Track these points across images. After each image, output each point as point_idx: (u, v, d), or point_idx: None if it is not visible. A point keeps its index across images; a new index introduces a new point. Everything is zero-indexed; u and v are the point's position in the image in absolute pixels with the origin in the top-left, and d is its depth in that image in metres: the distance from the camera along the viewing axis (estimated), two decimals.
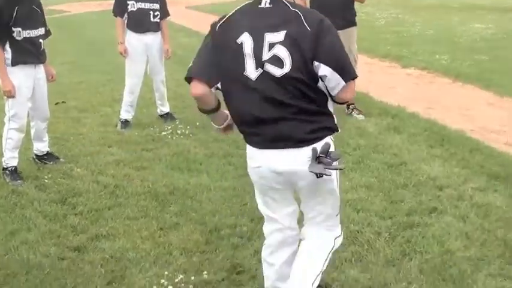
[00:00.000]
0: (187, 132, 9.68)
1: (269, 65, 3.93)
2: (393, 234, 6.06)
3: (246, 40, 3.98)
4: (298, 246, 4.54)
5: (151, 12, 9.99)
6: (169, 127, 9.92)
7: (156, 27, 10.12)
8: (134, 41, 9.98)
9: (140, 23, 9.98)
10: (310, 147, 3.96)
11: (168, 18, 10.42)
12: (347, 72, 4.04)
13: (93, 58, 18.10)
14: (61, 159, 8.41)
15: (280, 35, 3.92)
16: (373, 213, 6.53)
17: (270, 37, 3.94)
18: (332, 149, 4.04)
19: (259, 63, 3.96)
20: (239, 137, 8.28)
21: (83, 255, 5.76)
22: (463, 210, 6.64)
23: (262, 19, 4.00)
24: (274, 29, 3.93)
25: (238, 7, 4.14)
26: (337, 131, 4.19)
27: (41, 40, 7.79)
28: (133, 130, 9.89)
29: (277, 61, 3.92)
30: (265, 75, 3.95)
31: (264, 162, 4.19)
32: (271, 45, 3.93)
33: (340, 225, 4.57)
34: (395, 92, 12.74)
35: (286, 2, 4.02)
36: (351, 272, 5.31)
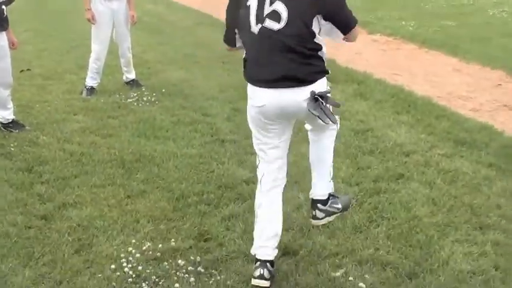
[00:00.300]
0: (153, 99, 9.62)
1: (268, 20, 4.45)
2: (360, 200, 6.11)
3: (252, 3, 4.51)
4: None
5: None
6: (135, 94, 9.85)
7: None
8: (100, 7, 9.84)
9: None
10: (309, 87, 4.50)
11: None
12: (346, 27, 4.65)
13: (57, 25, 17.83)
14: (27, 127, 8.30)
15: None
16: (339, 179, 6.52)
17: None
18: (329, 93, 4.61)
19: (260, 20, 4.47)
20: (206, 103, 8.26)
21: (50, 223, 5.70)
22: (430, 176, 6.70)
23: None
24: None
25: None
26: (328, 73, 4.71)
27: (3, 7, 7.66)
28: (99, 97, 9.77)
29: (275, 16, 4.41)
30: (265, 30, 4.47)
31: (268, 100, 4.65)
32: (271, 2, 4.42)
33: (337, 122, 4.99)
34: (362, 59, 12.76)
35: None
36: (318, 239, 5.33)
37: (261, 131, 4.97)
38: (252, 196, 6.12)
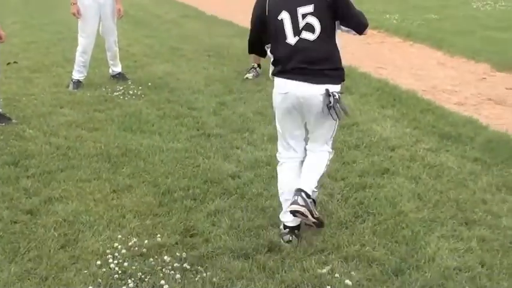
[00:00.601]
0: (139, 92, 9.54)
1: (304, 32, 5.14)
2: (346, 195, 6.06)
3: (286, 18, 5.17)
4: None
5: None
6: (121, 87, 9.77)
7: None
8: (87, 1, 9.75)
9: None
10: (324, 86, 5.17)
11: None
12: (360, 26, 5.34)
13: (44, 17, 17.76)
14: (13, 121, 8.22)
15: (309, 7, 5.10)
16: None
17: (301, 10, 5.12)
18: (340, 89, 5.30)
19: (297, 32, 5.16)
20: (191, 97, 8.18)
21: (36, 218, 5.62)
22: (415, 171, 6.66)
23: None
24: (304, 3, 5.12)
25: None
26: (344, 80, 5.42)
27: None
28: (85, 90, 9.69)
29: (310, 28, 5.12)
30: (302, 41, 5.16)
31: (290, 89, 5.28)
32: (304, 16, 5.11)
33: (331, 145, 5.62)
34: (347, 52, 12.49)
35: None
36: (304, 235, 5.28)
37: (283, 119, 5.55)
38: (237, 191, 6.12)
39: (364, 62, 11.54)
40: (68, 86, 9.91)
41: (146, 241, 5.15)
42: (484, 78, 10.89)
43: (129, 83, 10.07)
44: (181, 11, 18.42)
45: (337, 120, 5.33)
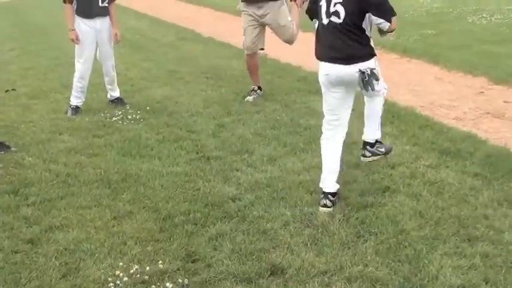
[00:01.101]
0: (138, 117, 9.50)
1: (333, 16, 6.20)
2: (347, 215, 6.02)
3: (323, 4, 6.25)
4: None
5: None
6: (120, 112, 9.71)
7: (104, 12, 9.90)
8: (83, 26, 9.75)
9: (89, 8, 9.75)
10: (359, 64, 6.18)
11: (115, 2, 10.19)
12: (387, 15, 6.25)
13: (41, 43, 17.72)
14: (12, 148, 8.20)
15: None
16: None
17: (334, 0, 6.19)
18: (376, 69, 6.28)
19: (328, 15, 6.23)
20: (190, 120, 8.16)
21: (37, 247, 5.59)
22: (416, 188, 6.64)
23: None
24: None
25: None
26: (375, 55, 6.38)
27: None
28: (84, 116, 9.66)
29: (336, 14, 6.17)
30: (331, 22, 6.22)
31: (331, 70, 6.31)
32: (335, 4, 6.16)
33: (384, 86, 6.71)
34: None
35: None
36: (306, 256, 5.25)
37: (327, 96, 6.63)
38: (238, 214, 6.09)
39: None
40: (66, 112, 9.88)
41: (148, 268, 5.11)
42: (482, 92, 10.86)
43: (128, 107, 10.02)
44: (178, 34, 18.37)
45: (371, 90, 6.26)
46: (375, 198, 6.38)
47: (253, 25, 10.16)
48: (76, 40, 9.73)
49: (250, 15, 10.12)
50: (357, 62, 6.19)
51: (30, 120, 9.59)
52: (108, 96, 10.41)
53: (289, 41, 10.56)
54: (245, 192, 6.64)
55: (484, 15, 19.77)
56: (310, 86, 10.82)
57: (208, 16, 23.21)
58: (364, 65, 6.19)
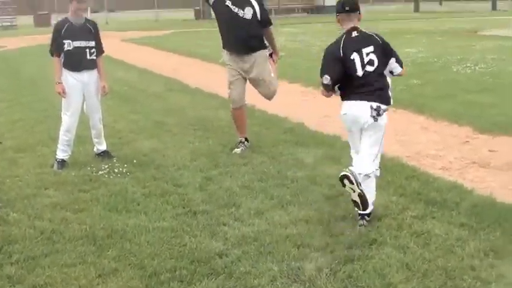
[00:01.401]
0: (124, 170, 9.42)
1: (368, 65, 7.12)
2: (334, 269, 5.94)
3: (355, 57, 7.13)
4: None
5: (87, 50, 9.78)
6: (107, 166, 9.63)
7: (92, 65, 9.90)
8: (71, 79, 9.74)
9: (77, 62, 9.76)
10: (373, 104, 7.10)
11: (103, 55, 10.21)
12: (401, 62, 7.41)
13: (30, 95, 17.71)
14: None
15: (371, 48, 7.16)
16: (313, 248, 6.42)
17: (365, 50, 7.15)
18: (384, 108, 7.18)
19: (363, 66, 7.12)
20: (177, 173, 8.12)
21: None
22: (403, 240, 6.59)
23: (358, 42, 7.22)
24: (366, 45, 7.18)
25: (341, 38, 7.32)
26: (391, 101, 7.38)
27: None
28: (70, 170, 9.58)
29: (371, 63, 7.12)
30: (366, 72, 7.12)
31: (349, 110, 7.34)
32: (367, 54, 7.13)
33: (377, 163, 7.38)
34: (331, 121, 12.64)
35: (363, 30, 7.32)
36: None
37: (349, 132, 7.59)
38: (225, 270, 6.02)
39: None
40: (52, 166, 9.80)
41: None
42: (467, 141, 10.94)
43: (115, 160, 9.95)
44: (166, 85, 18.45)
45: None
46: (362, 251, 6.31)
47: (239, 78, 10.20)
48: (63, 93, 9.71)
49: (235, 69, 10.17)
50: (378, 101, 7.14)
51: (16, 175, 9.49)
52: (95, 149, 10.34)
53: (269, 97, 10.66)
54: (232, 247, 6.55)
55: (468, 65, 20.12)
56: (297, 137, 10.89)
57: (195, 67, 23.41)
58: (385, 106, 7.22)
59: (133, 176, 9.18)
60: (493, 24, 42.38)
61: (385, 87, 7.23)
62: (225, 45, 10.33)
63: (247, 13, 9.99)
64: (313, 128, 11.83)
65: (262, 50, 10.25)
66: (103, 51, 10.17)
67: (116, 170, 9.41)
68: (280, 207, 7.71)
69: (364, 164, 7.17)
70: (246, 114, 10.76)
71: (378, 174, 7.33)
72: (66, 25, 9.71)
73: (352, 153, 7.55)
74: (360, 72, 7.10)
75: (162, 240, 6.77)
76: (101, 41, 10.12)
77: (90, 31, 9.88)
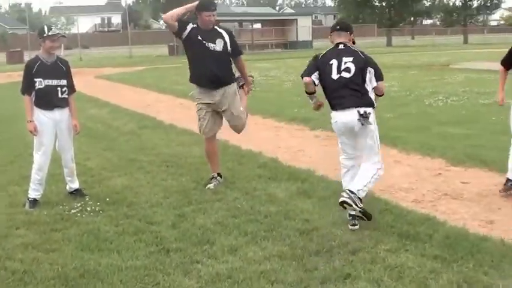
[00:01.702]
0: (97, 209, 9.36)
1: (344, 72, 8.03)
2: None
3: (334, 62, 8.11)
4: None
5: (59, 89, 9.76)
6: (79, 204, 9.57)
7: (64, 103, 9.87)
8: (43, 117, 9.70)
9: (48, 100, 9.72)
10: (360, 109, 7.94)
11: (75, 93, 10.19)
12: (379, 76, 8.18)
13: (1, 133, 17.62)
14: None
15: (350, 58, 8.07)
16: (287, 283, 6.42)
17: (345, 59, 8.08)
18: (371, 113, 8.04)
19: (339, 71, 8.06)
20: (150, 211, 8.11)
21: None
22: (377, 273, 6.60)
23: (341, 52, 8.18)
24: (348, 55, 8.09)
25: (328, 49, 8.36)
26: (374, 105, 8.20)
27: None
28: (42, 209, 9.49)
29: (347, 70, 8.02)
30: (341, 77, 8.05)
31: (338, 118, 8.19)
32: (346, 62, 8.04)
33: (381, 161, 8.47)
34: (304, 155, 12.83)
35: (349, 45, 8.25)
36: None
37: (341, 139, 8.50)
38: None
39: (322, 164, 11.61)
40: (24, 205, 9.72)
41: None
42: (440, 173, 11.06)
43: (87, 199, 9.89)
44: (140, 122, 18.42)
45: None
46: (336, 286, 6.33)
47: (209, 111, 10.27)
48: (34, 131, 9.67)
49: (205, 102, 10.22)
50: (361, 107, 7.96)
51: None
52: (67, 187, 10.28)
53: (239, 130, 10.74)
54: (206, 285, 6.53)
55: (441, 98, 20.52)
56: (271, 172, 10.92)
57: (169, 103, 23.44)
58: (366, 110, 7.98)
59: (106, 214, 9.11)
60: (465, 57, 43.02)
61: (363, 93, 8.03)
62: (196, 79, 10.36)
63: (218, 45, 10.11)
64: (286, 163, 11.88)
65: (232, 84, 10.33)
66: (74, 90, 10.16)
67: (89, 209, 9.36)
68: (254, 243, 7.69)
69: (363, 175, 8.20)
70: (217, 149, 10.80)
71: (382, 173, 8.43)
72: (38, 63, 9.70)
73: (342, 159, 8.58)
74: (335, 76, 8.08)
75: (135, 279, 6.73)
76: (73, 79, 10.10)
77: (62, 69, 9.86)
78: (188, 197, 9.77)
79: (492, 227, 8.22)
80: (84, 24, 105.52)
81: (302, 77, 8.36)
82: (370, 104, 8.08)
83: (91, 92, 25.56)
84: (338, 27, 8.53)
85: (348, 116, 8.03)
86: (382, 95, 8.51)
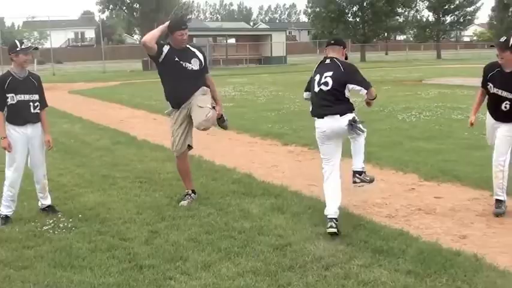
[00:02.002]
0: (69, 225, 9.31)
1: (322, 85, 8.76)
2: None
3: (317, 77, 8.86)
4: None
5: (31, 104, 9.71)
6: (51, 221, 9.50)
7: (36, 119, 9.82)
8: (14, 133, 9.64)
9: (20, 116, 9.67)
10: (345, 117, 8.66)
11: (47, 108, 10.15)
12: (365, 85, 8.79)
13: None
14: None
15: (330, 73, 8.72)
16: None
17: (325, 74, 8.76)
18: (357, 118, 8.71)
19: (319, 85, 8.80)
20: (123, 227, 8.05)
21: None
22: None
23: (325, 67, 8.86)
24: (329, 70, 8.75)
25: (318, 62, 9.11)
26: (354, 109, 8.84)
27: None
28: (14, 226, 9.42)
29: (325, 84, 8.73)
30: (320, 90, 8.80)
31: (323, 125, 8.82)
32: (325, 77, 8.74)
33: (364, 131, 9.05)
34: (278, 171, 12.87)
35: (335, 60, 8.85)
36: None
37: (322, 146, 9.04)
38: None
39: (296, 180, 11.68)
40: None
41: None
42: (413, 188, 11.17)
43: (59, 215, 9.81)
44: (113, 137, 18.35)
45: (360, 133, 8.92)
46: None
47: (182, 127, 10.28)
48: (8, 148, 9.61)
49: (179, 118, 10.23)
50: (343, 115, 8.65)
51: None
52: (40, 204, 10.21)
53: (199, 126, 10.14)
54: None
55: (414, 113, 20.79)
56: (245, 188, 10.95)
57: (143, 118, 23.41)
58: (349, 117, 8.65)
59: (79, 231, 9.07)
60: (438, 73, 43.34)
61: (341, 105, 8.74)
62: (173, 100, 10.35)
63: (195, 64, 10.18)
64: (260, 179, 11.92)
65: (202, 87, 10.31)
66: (46, 105, 10.11)
67: (61, 225, 9.29)
68: (227, 259, 7.69)
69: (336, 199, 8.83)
70: (188, 164, 10.82)
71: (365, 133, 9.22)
72: (9, 79, 9.64)
73: (324, 163, 9.12)
74: (316, 89, 8.88)
75: None
76: (44, 94, 10.07)
77: (34, 84, 9.82)
78: (161, 213, 9.75)
79: (465, 241, 8.30)
80: (58, 39, 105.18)
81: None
82: (348, 109, 8.76)
83: (64, 107, 25.47)
84: (332, 41, 9.24)
85: (327, 123, 8.75)
86: (375, 98, 9.18)
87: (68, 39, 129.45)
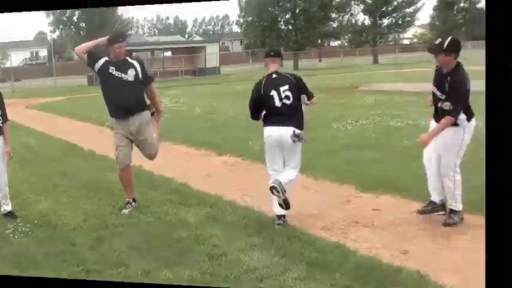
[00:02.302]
0: (27, 230, 9.54)
1: (285, 99, 8.97)
2: None
3: (274, 93, 8.99)
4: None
5: None
6: (12, 225, 9.78)
7: None
8: None
9: None
10: (292, 128, 8.94)
11: (8, 122, 10.43)
12: (310, 95, 9.30)
13: None
14: None
15: (286, 86, 8.99)
16: None
17: (282, 88, 8.98)
18: (302, 132, 9.05)
19: (280, 100, 8.98)
20: (72, 233, 7.89)
21: None
22: None
23: (276, 82, 9.04)
24: (283, 84, 9.01)
25: (263, 77, 9.23)
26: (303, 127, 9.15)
27: None
28: None
29: (287, 98, 8.98)
30: (283, 104, 9.00)
31: (273, 133, 9.11)
32: (284, 91, 8.95)
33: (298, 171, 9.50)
34: (213, 180, 12.80)
35: (281, 72, 9.18)
36: None
37: (272, 153, 9.32)
38: None
39: (230, 189, 11.56)
40: None
41: None
42: (349, 200, 10.66)
43: (18, 221, 10.11)
44: (63, 149, 18.49)
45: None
46: None
47: (124, 141, 10.54)
48: None
49: (121, 132, 10.48)
50: (294, 125, 9.00)
51: None
52: (2, 210, 10.52)
53: (152, 157, 11.01)
54: None
55: (349, 121, 19.91)
56: (181, 197, 11.09)
57: (89, 130, 23.43)
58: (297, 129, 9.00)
59: (35, 236, 9.27)
60: (375, 79, 41.78)
61: (299, 117, 9.12)
62: (110, 110, 10.61)
63: (130, 75, 10.33)
64: (195, 188, 11.87)
65: (146, 111, 10.57)
66: (7, 119, 10.40)
67: (20, 230, 9.54)
68: (166, 267, 7.69)
69: (290, 173, 9.23)
70: (132, 175, 10.98)
71: (297, 178, 9.53)
72: None
73: (270, 169, 9.41)
74: (278, 104, 8.99)
75: None
76: (5, 109, 10.35)
77: None
78: (105, 221, 9.91)
79: (406, 257, 7.72)
80: (17, 59, 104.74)
81: (252, 117, 9.56)
82: (302, 126, 9.12)
83: (21, 120, 25.34)
84: (272, 53, 9.45)
85: (284, 131, 9.01)
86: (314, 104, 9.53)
87: (25, 58, 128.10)
